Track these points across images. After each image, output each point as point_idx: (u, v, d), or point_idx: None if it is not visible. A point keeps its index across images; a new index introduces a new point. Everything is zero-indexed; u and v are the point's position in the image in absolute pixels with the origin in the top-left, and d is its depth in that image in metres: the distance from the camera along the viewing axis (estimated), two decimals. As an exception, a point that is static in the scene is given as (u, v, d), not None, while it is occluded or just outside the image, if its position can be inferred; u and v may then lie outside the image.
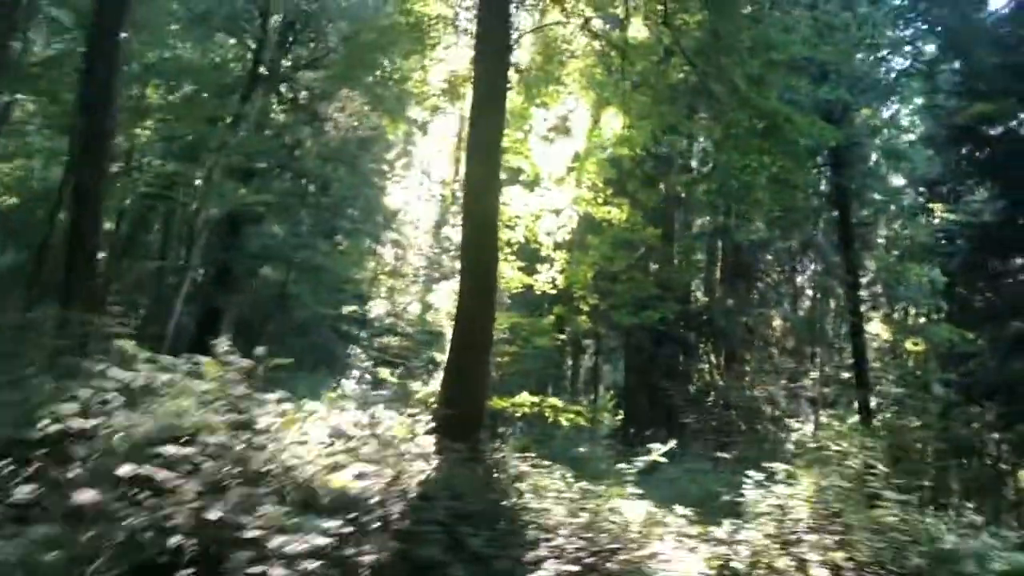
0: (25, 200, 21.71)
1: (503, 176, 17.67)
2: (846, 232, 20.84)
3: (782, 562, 4.97)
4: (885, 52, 18.74)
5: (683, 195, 20.82)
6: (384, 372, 13.45)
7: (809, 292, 28.85)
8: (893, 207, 23.60)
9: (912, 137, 22.84)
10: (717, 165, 18.73)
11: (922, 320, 24.33)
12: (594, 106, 17.56)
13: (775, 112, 15.58)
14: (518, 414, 15.28)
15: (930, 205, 22.91)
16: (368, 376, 15.81)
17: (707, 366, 27.06)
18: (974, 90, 16.94)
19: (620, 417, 26.94)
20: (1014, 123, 16.94)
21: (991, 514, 22.56)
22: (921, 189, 24.12)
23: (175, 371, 5.18)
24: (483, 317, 13.72)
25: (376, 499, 4.35)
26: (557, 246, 17.06)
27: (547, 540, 4.89)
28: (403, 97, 16.70)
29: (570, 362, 31.07)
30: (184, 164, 21.12)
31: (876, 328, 27.90)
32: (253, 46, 21.12)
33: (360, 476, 4.48)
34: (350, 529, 3.65)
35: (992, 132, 17.15)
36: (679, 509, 7.32)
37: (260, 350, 5.71)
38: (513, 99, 16.51)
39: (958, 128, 17.65)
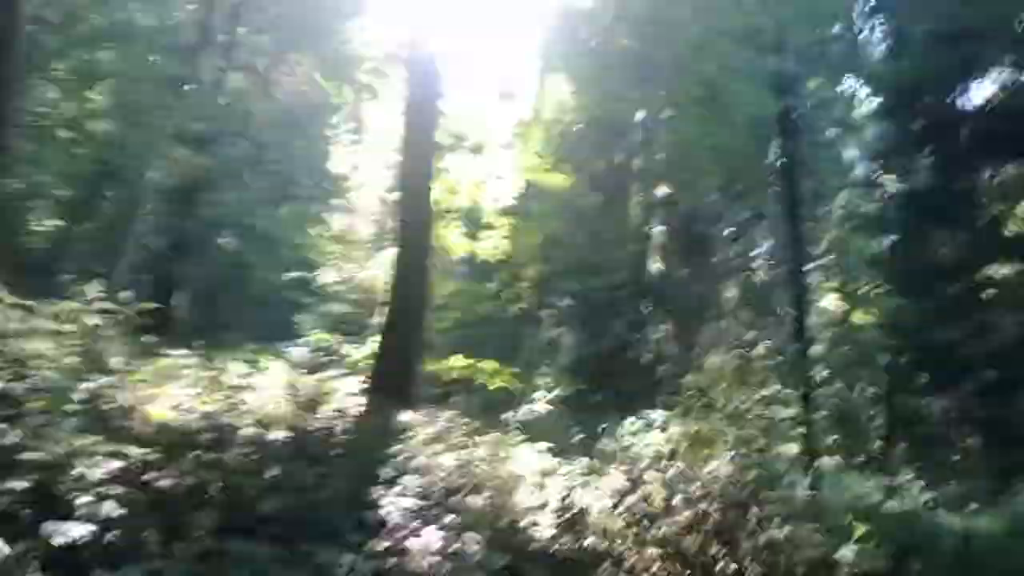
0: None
1: (449, 141, 17.73)
2: (793, 203, 20.95)
3: (631, 499, 5.10)
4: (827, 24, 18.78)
5: (635, 163, 20.79)
6: (319, 336, 13.34)
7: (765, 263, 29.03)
8: (847, 177, 23.80)
9: (864, 110, 22.95)
10: (663, 133, 18.78)
11: (873, 292, 24.58)
12: (540, 72, 17.60)
13: (714, 80, 15.71)
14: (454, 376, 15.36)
15: (884, 177, 23.08)
16: (314, 342, 15.72)
17: (660, 335, 27.21)
18: (904, 57, 17.07)
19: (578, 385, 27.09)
20: (946, 93, 17.02)
21: (937, 476, 22.98)
22: (880, 161, 24.28)
23: (39, 315, 5.19)
24: (418, 280, 13.80)
25: (206, 433, 4.42)
26: (501, 213, 17.11)
27: (401, 480, 4.96)
28: (348, 61, 16.63)
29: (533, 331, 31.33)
30: (133, 129, 20.88)
31: (830, 300, 28.26)
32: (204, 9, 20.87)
33: (178, 408, 4.54)
34: (158, 457, 3.71)
35: (925, 101, 17.26)
36: (581, 459, 7.44)
37: (125, 294, 5.73)
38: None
39: (893, 98, 17.81)
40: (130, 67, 20.81)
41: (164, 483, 3.63)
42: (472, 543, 3.91)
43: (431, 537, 4.03)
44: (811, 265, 26.56)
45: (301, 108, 20.79)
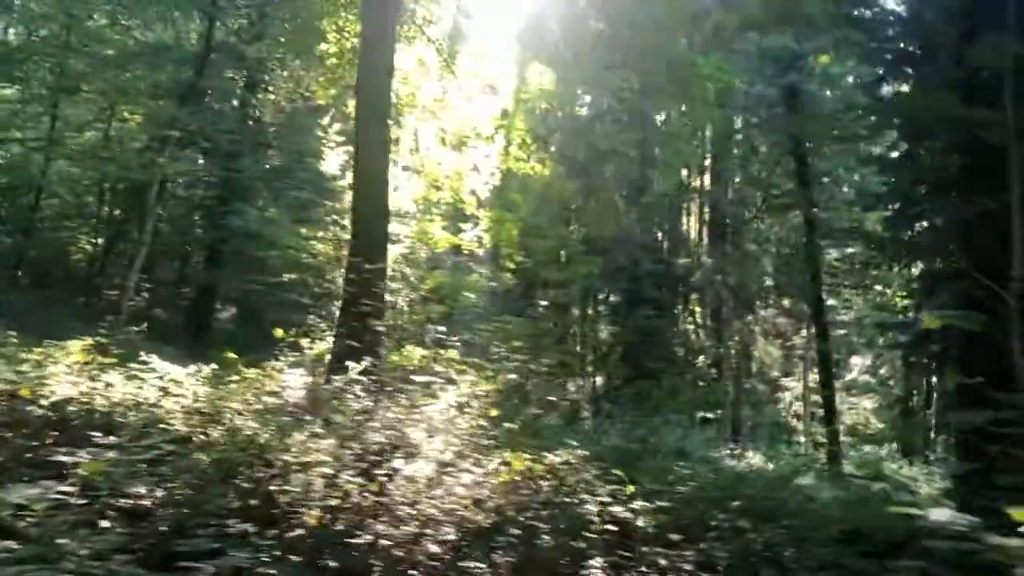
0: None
1: (432, 137, 17.71)
2: (803, 180, 20.22)
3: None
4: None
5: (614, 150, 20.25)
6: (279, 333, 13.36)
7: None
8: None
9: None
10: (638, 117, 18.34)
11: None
12: (519, 63, 17.41)
13: (680, 58, 15.31)
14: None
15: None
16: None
17: (692, 327, 26.60)
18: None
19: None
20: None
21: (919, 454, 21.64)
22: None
23: None
24: (371, 272, 13.80)
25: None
26: (480, 204, 17.00)
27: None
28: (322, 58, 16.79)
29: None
30: (155, 142, 21.56)
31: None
32: (206, 21, 21.39)
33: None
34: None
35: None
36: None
37: None
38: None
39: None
40: (155, 83, 21.45)
41: None
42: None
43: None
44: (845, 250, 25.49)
45: (299, 111, 21.19)
